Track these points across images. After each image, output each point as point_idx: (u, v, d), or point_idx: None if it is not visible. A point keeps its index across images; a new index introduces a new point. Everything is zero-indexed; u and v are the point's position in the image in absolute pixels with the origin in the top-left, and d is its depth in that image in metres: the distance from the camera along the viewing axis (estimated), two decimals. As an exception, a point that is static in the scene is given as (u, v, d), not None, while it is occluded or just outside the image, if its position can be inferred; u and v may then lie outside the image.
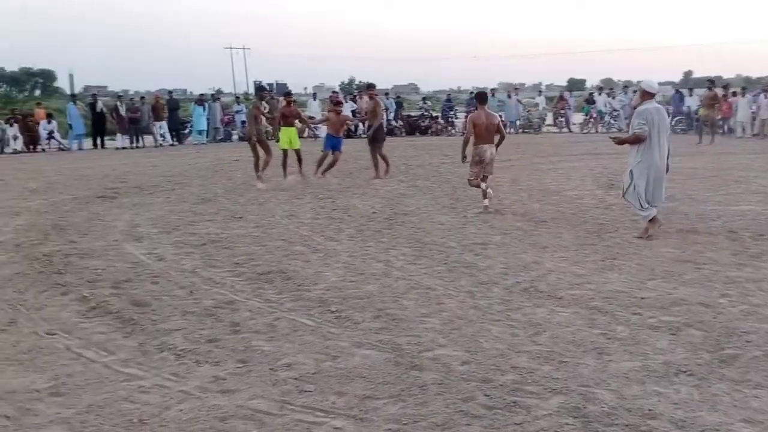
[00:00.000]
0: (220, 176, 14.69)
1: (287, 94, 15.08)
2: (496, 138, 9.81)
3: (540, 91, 36.05)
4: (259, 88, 16.42)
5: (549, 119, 30.67)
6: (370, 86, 16.04)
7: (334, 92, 34.83)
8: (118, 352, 4.65)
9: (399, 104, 29.98)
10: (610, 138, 8.34)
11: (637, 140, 7.62)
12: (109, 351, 4.67)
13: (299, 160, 13.49)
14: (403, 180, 13.27)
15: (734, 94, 24.88)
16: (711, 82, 23.60)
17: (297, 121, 14.02)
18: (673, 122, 26.90)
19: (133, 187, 13.04)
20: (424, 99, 33.95)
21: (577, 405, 3.74)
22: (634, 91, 30.26)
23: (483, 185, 9.79)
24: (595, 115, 28.29)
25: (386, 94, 30.29)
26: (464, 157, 9.93)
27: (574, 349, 4.57)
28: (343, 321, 5.18)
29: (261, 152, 12.92)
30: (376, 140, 13.79)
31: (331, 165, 13.59)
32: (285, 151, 13.54)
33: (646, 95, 7.73)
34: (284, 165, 13.45)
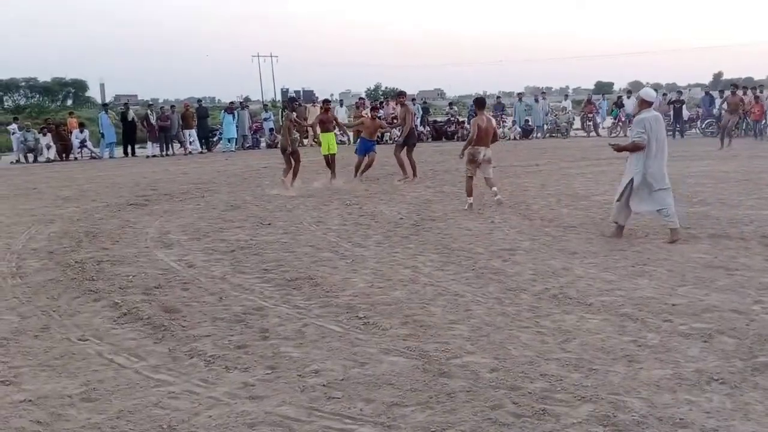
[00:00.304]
0: (248, 183, 14.83)
1: (326, 101, 15.81)
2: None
3: (566, 95, 35.88)
4: (290, 100, 17.70)
5: (577, 123, 30.35)
6: (401, 94, 16.63)
7: (360, 98, 35.08)
8: (149, 358, 4.71)
9: (425, 110, 30.05)
10: (609, 145, 8.44)
11: (636, 148, 7.75)
12: (140, 357, 4.73)
13: (333, 165, 14.20)
14: (429, 186, 13.27)
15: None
16: (735, 87, 23.13)
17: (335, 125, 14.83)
18: (703, 125, 26.79)
19: (163, 195, 13.21)
20: (450, 104, 33.77)
21: (607, 413, 3.70)
22: (664, 94, 29.36)
23: (470, 199, 10.47)
24: (623, 119, 27.64)
25: (413, 99, 30.38)
26: (462, 154, 10.73)
27: (604, 356, 4.52)
28: (370, 327, 5.18)
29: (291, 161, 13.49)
30: (407, 145, 14.26)
31: (368, 166, 14.32)
32: (326, 156, 14.28)
33: (644, 104, 7.90)
34: (329, 165, 14.28)
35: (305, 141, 23.30)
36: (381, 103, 29.09)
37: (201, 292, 6.30)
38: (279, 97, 61.73)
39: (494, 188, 10.69)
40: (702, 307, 5.49)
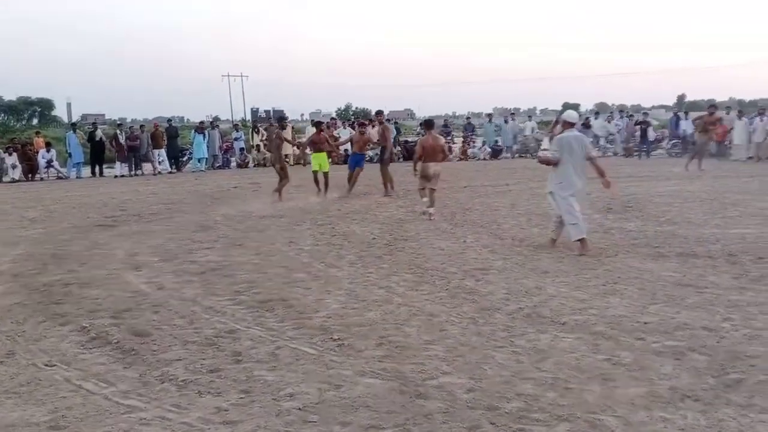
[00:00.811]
0: (219, 203, 14.70)
1: (318, 123, 17.26)
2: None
3: (530, 116, 35.46)
4: (280, 118, 19.19)
5: (545, 143, 30.59)
6: (379, 113, 17.57)
7: (332, 118, 35.13)
8: (119, 383, 4.61)
9: (397, 130, 30.09)
10: (537, 155, 9.50)
11: (548, 162, 8.58)
12: (110, 382, 4.63)
13: (326, 183, 15.02)
14: (401, 205, 13.28)
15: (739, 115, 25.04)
16: (714, 107, 23.27)
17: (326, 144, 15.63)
18: (669, 145, 27.09)
19: (132, 216, 13.04)
20: (420, 124, 34.14)
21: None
22: (630, 116, 29.83)
23: (425, 199, 11.71)
24: (591, 139, 28.18)
25: (387, 119, 30.46)
26: (415, 171, 11.93)
27: (579, 375, 4.53)
28: (345, 349, 5.14)
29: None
30: (383, 162, 15.26)
31: (355, 179, 15.27)
32: (315, 173, 15.22)
33: (567, 125, 8.62)
34: (317, 182, 15.15)
35: (290, 159, 23.42)
36: (353, 124, 29.15)
37: (171, 314, 6.20)
38: (249, 117, 61.27)
39: (429, 201, 11.62)
40: (673, 324, 5.55)
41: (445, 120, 34.21)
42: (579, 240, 8.28)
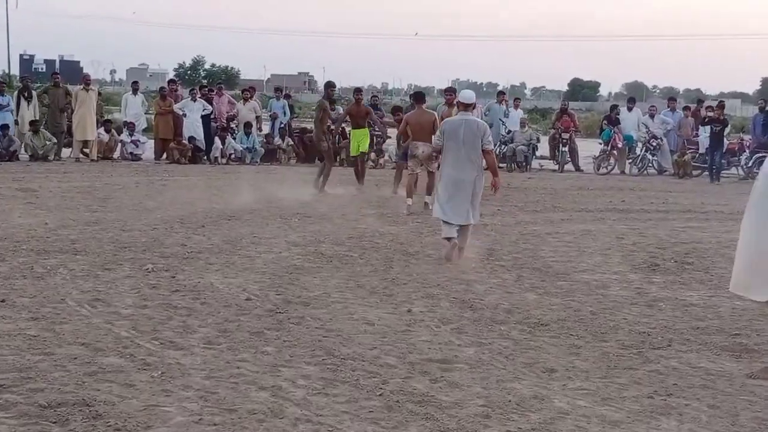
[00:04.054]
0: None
1: (358, 90, 14.11)
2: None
3: (515, 99, 21.92)
4: (327, 85, 14.47)
5: (543, 148, 19.41)
6: (358, 90, 14.26)
7: (171, 80, 22.57)
8: None
9: (291, 108, 19.51)
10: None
11: (436, 151, 8.18)
12: None
13: (362, 170, 12.82)
14: (296, 242, 8.45)
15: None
16: None
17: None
18: (749, 160, 16.92)
19: None
20: (331, 101, 21.77)
21: None
22: (685, 107, 20.52)
23: (409, 202, 10.43)
24: (620, 144, 18.03)
25: (280, 91, 20.46)
26: (400, 151, 11.32)
27: None
28: None
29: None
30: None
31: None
32: (356, 159, 12.99)
33: (462, 106, 7.98)
34: (357, 174, 12.82)
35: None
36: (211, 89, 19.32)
37: None
38: (18, 71, 41.53)
39: (427, 188, 10.58)
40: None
41: (373, 94, 23.72)
42: (447, 239, 7.60)
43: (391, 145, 17.03)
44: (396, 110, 14.52)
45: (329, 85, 14.34)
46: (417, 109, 10.84)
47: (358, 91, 13.86)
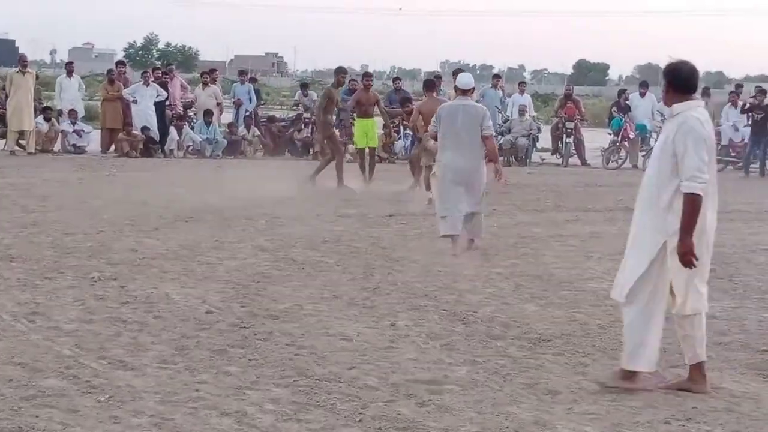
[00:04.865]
0: None
1: (366, 75, 13.51)
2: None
3: (521, 83, 19.36)
4: (338, 70, 12.96)
5: (545, 139, 18.20)
6: (367, 75, 14.11)
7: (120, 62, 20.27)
8: None
9: (257, 93, 17.90)
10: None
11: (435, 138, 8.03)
12: None
13: (372, 165, 12.20)
14: (263, 246, 7.86)
15: None
16: None
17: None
18: None
19: None
20: (303, 85, 19.83)
21: None
22: (704, 91, 17.38)
23: (430, 195, 9.80)
24: (632, 135, 16.74)
25: (244, 74, 18.92)
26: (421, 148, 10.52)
27: None
28: None
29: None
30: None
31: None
32: (362, 151, 12.25)
33: (459, 91, 7.90)
34: (363, 167, 12.15)
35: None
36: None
37: None
38: None
39: (424, 182, 10.35)
40: None
41: (396, 77, 21.58)
42: (448, 236, 7.51)
43: (398, 141, 16.16)
44: (405, 101, 13.55)
45: (340, 71, 12.82)
46: (428, 98, 10.42)
47: (367, 76, 13.16)
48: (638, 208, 4.15)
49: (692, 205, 3.84)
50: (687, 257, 3.84)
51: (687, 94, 4.04)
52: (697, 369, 4.06)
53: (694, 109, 4.01)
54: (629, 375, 4.07)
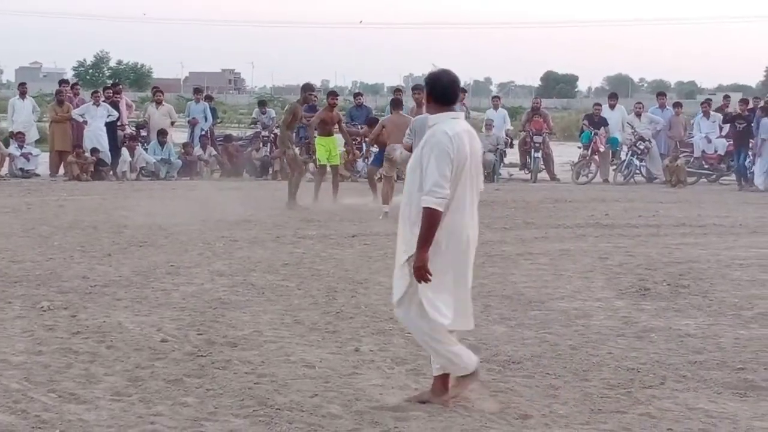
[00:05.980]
0: None
1: (332, 93, 13.00)
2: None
3: (495, 98, 19.97)
4: (305, 87, 12.49)
5: (513, 155, 17.85)
6: (332, 93, 13.26)
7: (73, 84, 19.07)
8: None
9: (213, 111, 17.12)
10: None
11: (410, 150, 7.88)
12: None
13: (335, 184, 11.87)
14: (221, 271, 7.42)
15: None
16: None
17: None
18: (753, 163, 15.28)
19: None
20: (261, 103, 19.02)
21: None
22: (677, 104, 17.65)
23: (385, 209, 10.15)
24: (603, 148, 16.28)
25: (200, 92, 17.92)
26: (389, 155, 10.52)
27: None
28: None
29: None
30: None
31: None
32: (323, 168, 11.98)
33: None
34: (319, 185, 11.81)
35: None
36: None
37: None
38: None
39: (382, 195, 10.56)
40: None
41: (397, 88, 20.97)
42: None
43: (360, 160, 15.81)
44: (371, 122, 13.22)
45: (308, 88, 12.42)
46: (394, 114, 11.13)
47: (332, 94, 12.76)
48: (399, 221, 4.02)
49: (428, 219, 3.67)
50: (420, 272, 3.69)
51: (444, 105, 3.88)
52: (440, 380, 3.94)
53: (446, 122, 3.82)
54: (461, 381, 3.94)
